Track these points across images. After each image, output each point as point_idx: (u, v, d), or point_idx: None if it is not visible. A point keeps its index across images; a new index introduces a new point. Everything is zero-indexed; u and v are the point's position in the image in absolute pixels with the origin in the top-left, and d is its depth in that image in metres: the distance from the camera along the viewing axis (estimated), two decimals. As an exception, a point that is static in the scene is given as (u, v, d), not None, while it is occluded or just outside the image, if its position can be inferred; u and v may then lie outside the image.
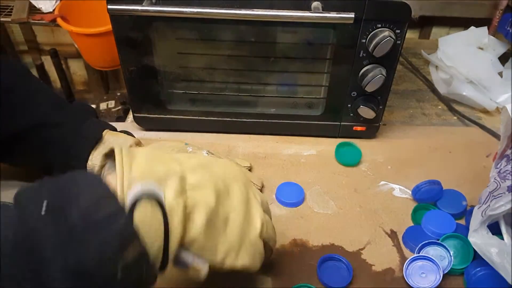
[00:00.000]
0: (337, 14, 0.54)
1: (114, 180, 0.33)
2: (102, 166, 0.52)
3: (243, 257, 0.39)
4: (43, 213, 0.28)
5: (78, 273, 0.28)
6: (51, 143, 0.52)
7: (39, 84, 0.55)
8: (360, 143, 0.69)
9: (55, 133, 0.52)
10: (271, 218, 0.45)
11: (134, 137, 0.58)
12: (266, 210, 0.43)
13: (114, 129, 0.57)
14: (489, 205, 0.48)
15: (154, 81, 0.64)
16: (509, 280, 0.44)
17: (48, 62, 1.51)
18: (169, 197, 0.33)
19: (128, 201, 0.31)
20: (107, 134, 0.54)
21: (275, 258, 0.52)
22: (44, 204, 0.28)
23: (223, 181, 0.39)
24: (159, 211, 0.32)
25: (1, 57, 0.52)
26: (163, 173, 0.35)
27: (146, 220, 0.31)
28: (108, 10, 0.55)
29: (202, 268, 0.36)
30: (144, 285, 0.32)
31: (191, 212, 0.35)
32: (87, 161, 0.52)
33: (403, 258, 0.53)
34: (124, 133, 0.58)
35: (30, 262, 0.27)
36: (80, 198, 0.29)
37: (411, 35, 1.12)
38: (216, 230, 0.37)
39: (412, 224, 0.57)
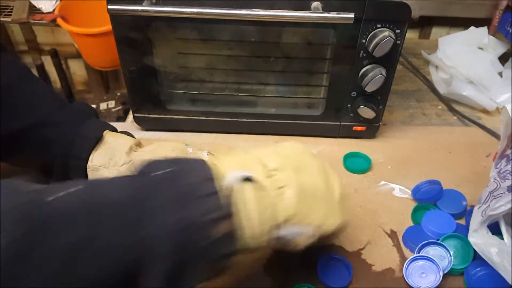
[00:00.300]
0: (337, 14, 0.54)
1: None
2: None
3: (335, 218, 0.42)
4: (161, 173, 0.34)
5: (179, 230, 0.32)
6: (51, 143, 0.52)
7: (39, 83, 0.54)
8: (360, 143, 0.69)
9: (55, 132, 0.52)
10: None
11: (134, 137, 0.58)
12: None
13: (115, 130, 0.57)
14: (489, 205, 0.48)
15: (154, 81, 0.64)
16: (509, 280, 0.44)
17: (48, 62, 1.52)
18: (259, 179, 0.37)
19: (229, 181, 0.35)
20: (107, 135, 0.54)
21: (275, 258, 0.52)
22: (166, 170, 0.34)
23: (296, 159, 0.42)
24: (258, 190, 0.36)
25: (2, 56, 0.52)
26: (248, 161, 0.39)
27: (253, 201, 0.36)
28: (108, 10, 0.55)
29: (310, 235, 0.40)
30: (227, 259, 0.35)
31: (282, 189, 0.39)
32: (87, 161, 0.52)
33: (403, 258, 0.53)
34: (124, 133, 0.58)
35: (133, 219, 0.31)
36: (192, 173, 0.34)
37: (411, 35, 1.12)
38: (307, 200, 0.40)
39: (412, 224, 0.57)
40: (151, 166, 0.35)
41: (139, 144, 0.57)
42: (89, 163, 0.52)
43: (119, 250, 0.30)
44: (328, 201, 0.42)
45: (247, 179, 0.36)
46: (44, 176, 0.55)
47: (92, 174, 0.52)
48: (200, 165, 0.36)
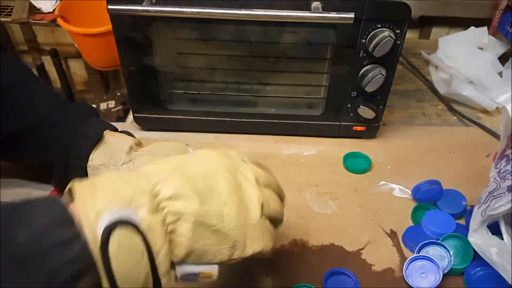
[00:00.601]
0: (337, 14, 0.54)
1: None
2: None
3: (251, 244, 0.37)
4: None
5: None
6: (52, 142, 0.52)
7: (40, 82, 0.54)
8: (360, 143, 0.69)
9: (55, 132, 0.52)
10: (277, 187, 0.42)
11: (135, 137, 0.58)
12: (267, 183, 0.41)
13: (115, 129, 0.57)
14: (489, 205, 0.48)
15: (154, 81, 0.64)
16: (509, 280, 0.44)
17: (48, 62, 1.52)
18: (144, 218, 0.31)
19: (98, 234, 0.29)
20: (107, 135, 0.54)
21: (275, 258, 0.52)
22: None
23: (204, 178, 0.36)
24: (136, 235, 0.30)
25: (2, 55, 0.52)
26: (131, 194, 0.32)
27: (124, 250, 0.29)
28: (108, 10, 0.55)
29: (212, 272, 0.35)
30: None
31: (174, 225, 0.33)
32: (87, 161, 0.52)
33: (403, 258, 0.53)
34: (125, 133, 0.58)
35: None
36: (33, 221, 0.28)
37: (411, 35, 1.12)
38: (210, 232, 0.35)
39: (412, 224, 0.57)
40: None
41: (139, 144, 0.57)
42: (89, 162, 0.52)
43: None
44: (242, 224, 0.36)
45: (124, 222, 0.30)
46: (44, 176, 0.55)
47: (92, 174, 0.52)
48: (46, 206, 0.29)
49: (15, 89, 0.51)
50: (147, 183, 0.34)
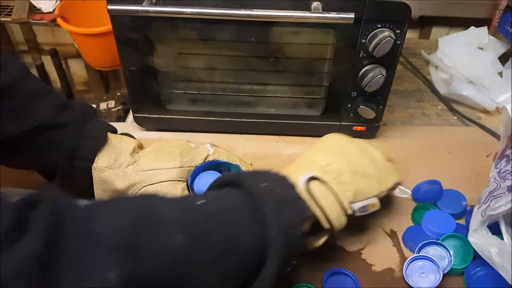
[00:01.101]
0: (337, 14, 0.54)
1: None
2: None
3: (390, 179, 0.51)
4: (262, 186, 0.40)
5: (284, 230, 0.38)
6: (56, 144, 0.51)
7: (41, 84, 0.54)
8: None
9: (59, 133, 0.51)
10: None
11: (135, 139, 0.58)
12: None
13: (115, 130, 0.57)
14: (489, 205, 0.49)
15: (154, 81, 0.64)
16: (509, 280, 0.44)
17: (48, 62, 1.52)
18: (320, 176, 0.46)
19: (301, 184, 0.44)
20: (110, 137, 0.54)
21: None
22: (263, 185, 0.40)
23: (337, 148, 0.51)
24: (323, 185, 0.45)
25: (4, 57, 0.51)
26: (306, 165, 0.48)
27: (321, 192, 0.45)
28: (108, 10, 0.55)
29: (376, 202, 0.48)
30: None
31: (339, 178, 0.46)
32: (92, 162, 0.52)
33: (403, 258, 0.53)
34: (125, 135, 0.58)
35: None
36: (280, 184, 0.42)
37: (411, 35, 1.12)
38: (362, 176, 0.48)
39: (412, 224, 0.57)
40: (251, 180, 0.41)
41: (140, 146, 0.57)
42: (95, 164, 0.52)
43: (250, 243, 0.37)
44: (377, 168, 0.50)
45: (312, 178, 0.45)
46: (45, 178, 0.55)
47: (97, 176, 0.52)
48: (281, 176, 0.43)
49: (18, 89, 0.50)
50: (310, 160, 0.49)
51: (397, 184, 0.53)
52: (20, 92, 0.50)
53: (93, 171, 0.52)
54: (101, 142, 0.53)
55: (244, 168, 0.56)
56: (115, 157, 0.53)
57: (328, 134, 0.55)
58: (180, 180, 0.54)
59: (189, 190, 0.54)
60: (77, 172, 0.52)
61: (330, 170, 0.47)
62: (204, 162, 0.55)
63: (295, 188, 0.42)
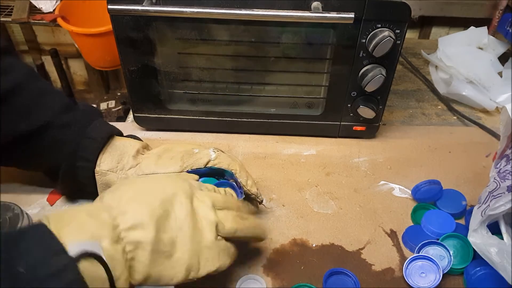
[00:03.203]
0: (337, 14, 0.54)
1: None
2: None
3: (205, 265, 0.40)
4: None
5: None
6: (59, 143, 0.51)
7: (44, 83, 0.54)
8: (360, 143, 0.69)
9: (62, 133, 0.51)
10: (238, 208, 0.46)
11: (142, 140, 0.58)
12: (225, 205, 0.44)
13: (120, 132, 0.57)
14: (488, 205, 0.49)
15: (154, 81, 0.64)
16: (509, 280, 0.45)
17: (48, 62, 1.52)
18: (106, 248, 0.34)
19: (71, 253, 0.32)
20: (114, 139, 0.54)
21: (275, 258, 0.52)
22: None
23: (162, 204, 0.40)
24: (99, 265, 0.33)
25: (10, 59, 0.51)
26: (94, 228, 0.35)
27: (89, 279, 0.32)
28: (109, 10, 0.55)
29: None
30: None
31: (134, 253, 0.36)
32: (94, 163, 0.52)
33: (403, 258, 0.53)
34: (132, 137, 0.58)
35: None
36: (29, 253, 0.30)
37: (411, 35, 1.12)
38: (165, 257, 0.38)
39: (411, 224, 0.57)
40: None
41: (146, 147, 0.56)
42: (97, 168, 0.52)
43: None
44: (195, 248, 0.40)
45: (90, 254, 0.33)
46: (50, 179, 0.55)
47: (100, 179, 0.52)
48: (41, 235, 0.32)
49: (23, 90, 0.50)
50: (108, 215, 0.37)
51: (217, 271, 0.42)
52: (26, 92, 0.51)
53: (96, 174, 0.52)
54: (102, 143, 0.52)
55: (243, 176, 0.53)
56: (117, 159, 0.52)
57: (164, 180, 0.43)
58: None
59: None
60: (80, 172, 0.52)
61: (128, 238, 0.36)
62: (204, 167, 0.54)
63: (61, 254, 0.31)
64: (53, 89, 0.54)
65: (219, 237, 0.42)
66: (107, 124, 0.56)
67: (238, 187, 0.52)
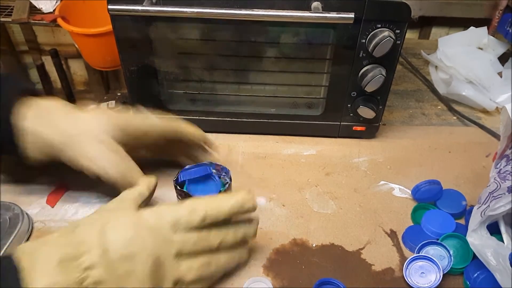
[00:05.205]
0: (337, 14, 0.54)
1: None
2: None
3: None
4: None
5: None
6: None
7: None
8: (360, 143, 0.69)
9: None
10: (210, 249, 0.45)
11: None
12: (194, 247, 0.43)
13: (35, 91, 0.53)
14: (488, 206, 0.49)
15: (155, 81, 0.64)
16: (502, 284, 0.44)
17: (48, 62, 1.52)
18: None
19: None
20: (38, 100, 0.50)
21: (275, 258, 0.52)
22: None
23: (125, 262, 0.39)
24: None
25: None
26: (62, 283, 0.36)
27: None
28: (109, 10, 0.55)
29: None
30: None
31: None
32: (11, 111, 0.48)
33: (403, 258, 0.53)
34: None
35: None
36: None
37: (411, 35, 1.12)
38: None
39: (411, 224, 0.57)
40: None
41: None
42: (24, 122, 0.48)
43: None
44: None
45: None
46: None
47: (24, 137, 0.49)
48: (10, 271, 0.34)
49: None
50: (77, 267, 0.37)
51: None
52: None
53: (19, 129, 0.48)
54: (22, 91, 0.49)
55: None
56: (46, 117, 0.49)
57: (126, 229, 0.41)
58: None
59: (176, 187, 0.54)
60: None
61: (89, 280, 0.37)
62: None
63: None
64: None
65: None
66: (27, 81, 0.53)
67: (217, 177, 0.53)
